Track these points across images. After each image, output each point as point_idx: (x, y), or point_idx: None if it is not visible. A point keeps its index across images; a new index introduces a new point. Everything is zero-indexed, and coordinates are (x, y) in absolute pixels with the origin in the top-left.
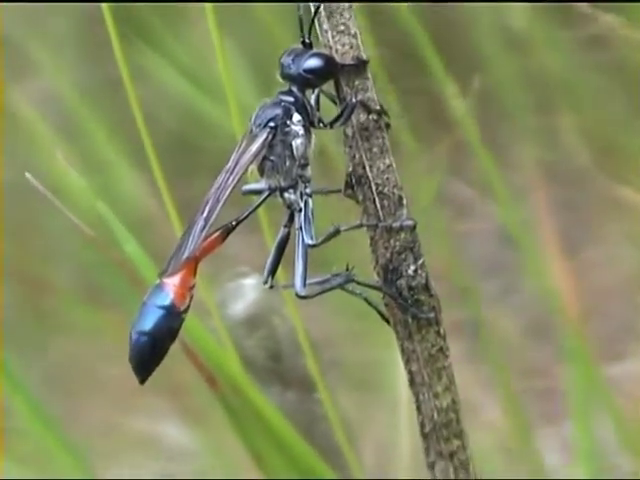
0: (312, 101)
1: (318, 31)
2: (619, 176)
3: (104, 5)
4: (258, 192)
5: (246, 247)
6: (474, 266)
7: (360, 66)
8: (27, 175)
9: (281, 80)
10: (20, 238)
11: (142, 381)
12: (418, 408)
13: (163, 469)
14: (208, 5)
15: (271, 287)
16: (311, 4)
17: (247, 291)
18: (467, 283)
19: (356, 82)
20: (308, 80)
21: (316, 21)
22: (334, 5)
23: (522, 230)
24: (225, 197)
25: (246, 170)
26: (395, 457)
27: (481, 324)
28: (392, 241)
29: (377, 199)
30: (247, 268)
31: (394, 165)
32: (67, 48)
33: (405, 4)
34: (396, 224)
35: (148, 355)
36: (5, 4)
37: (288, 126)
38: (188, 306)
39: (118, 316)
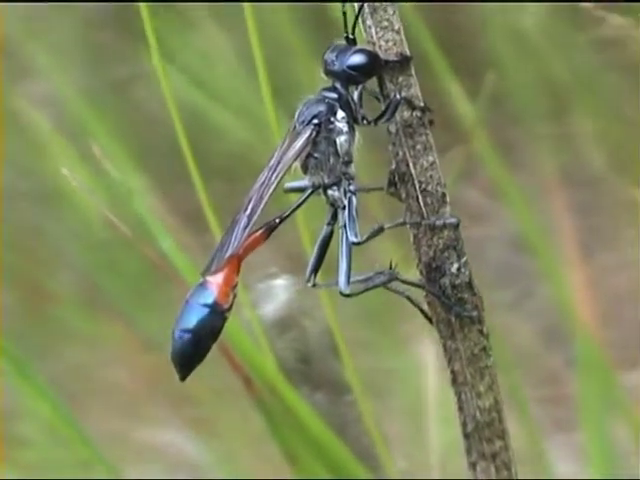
0: (355, 98)
1: (362, 27)
2: (635, 179)
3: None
4: (301, 190)
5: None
6: (488, 272)
7: (404, 62)
8: (64, 171)
9: (324, 77)
10: (21, 243)
11: (183, 378)
12: (460, 408)
13: None
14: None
15: (314, 285)
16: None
17: (277, 292)
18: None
19: (400, 79)
20: (352, 77)
21: (360, 17)
22: (377, 2)
23: (536, 235)
24: (268, 195)
25: (289, 167)
26: (424, 464)
27: (495, 331)
28: (435, 239)
29: (420, 197)
30: (276, 269)
31: (438, 162)
32: (69, 50)
33: (414, 4)
34: (439, 222)
35: (190, 353)
36: (6, 4)
37: (332, 123)
38: (231, 305)
39: (122, 323)
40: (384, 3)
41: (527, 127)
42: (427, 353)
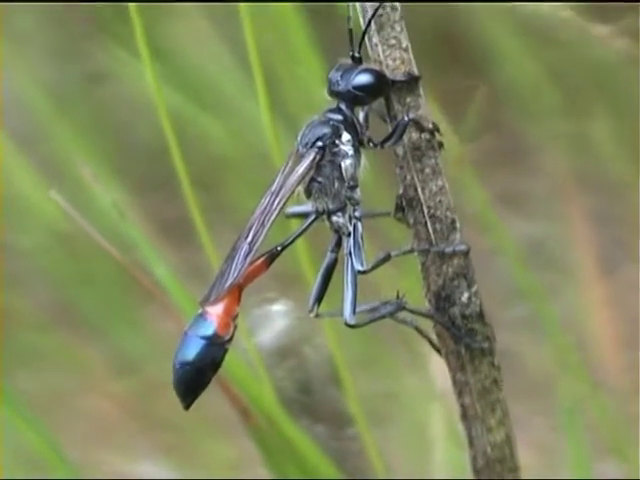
0: (361, 119)
1: (368, 45)
2: None
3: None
4: (304, 215)
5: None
6: (496, 288)
7: (412, 82)
8: (55, 196)
9: (328, 97)
10: None
11: (187, 407)
12: (470, 443)
13: None
14: None
15: (317, 316)
16: (360, 17)
17: (275, 318)
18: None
19: (408, 99)
20: (358, 97)
21: (366, 35)
22: (384, 18)
23: (551, 247)
24: (270, 221)
25: (292, 192)
26: None
27: (504, 354)
28: (444, 267)
29: (429, 222)
30: (275, 293)
31: (447, 186)
32: (32, 45)
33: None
34: (449, 249)
35: (192, 385)
36: None
37: (337, 146)
38: (232, 336)
39: (93, 344)
40: (391, 19)
41: (541, 127)
42: (433, 376)
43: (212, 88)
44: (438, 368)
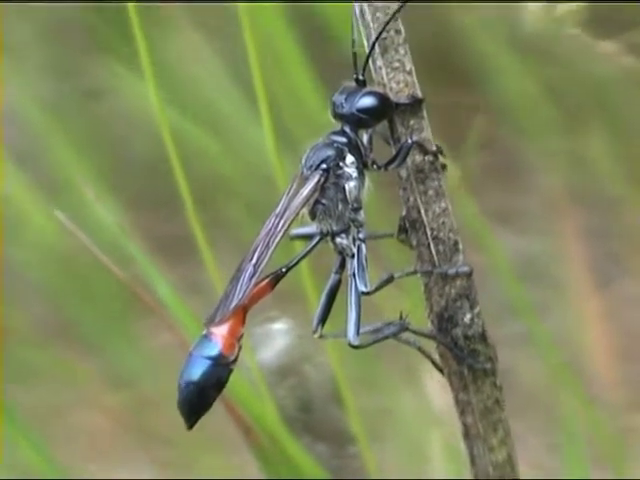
0: (365, 142)
1: (372, 68)
2: None
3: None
4: (308, 237)
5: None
6: (490, 305)
7: (416, 105)
8: (57, 213)
9: (333, 120)
10: None
11: (190, 427)
12: (472, 462)
13: None
14: None
15: (321, 337)
16: (364, 40)
17: (276, 337)
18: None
19: (411, 122)
20: (362, 120)
21: (370, 57)
22: (389, 41)
23: (546, 263)
24: (275, 243)
25: (297, 214)
26: None
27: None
28: (447, 288)
29: (432, 244)
30: (276, 312)
31: (450, 208)
32: (29, 60)
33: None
34: (452, 270)
35: (196, 404)
36: None
37: (341, 168)
38: (237, 356)
39: (88, 359)
40: (395, 41)
41: (536, 143)
42: (433, 395)
43: (208, 104)
44: (438, 387)
